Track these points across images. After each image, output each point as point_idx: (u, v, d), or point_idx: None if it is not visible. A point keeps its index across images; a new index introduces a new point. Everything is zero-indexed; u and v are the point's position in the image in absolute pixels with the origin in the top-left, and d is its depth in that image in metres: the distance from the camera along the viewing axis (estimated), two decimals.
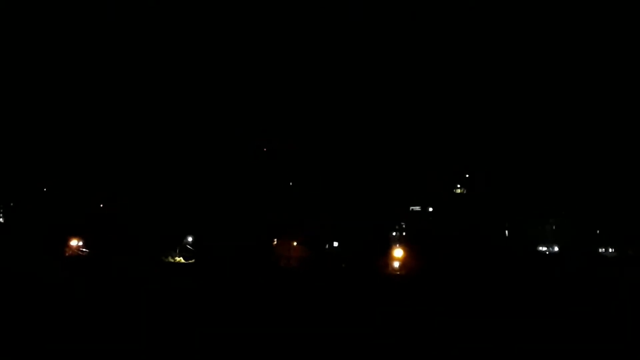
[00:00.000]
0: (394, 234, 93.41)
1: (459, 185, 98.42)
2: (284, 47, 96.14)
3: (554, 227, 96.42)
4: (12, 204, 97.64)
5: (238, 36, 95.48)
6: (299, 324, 38.45)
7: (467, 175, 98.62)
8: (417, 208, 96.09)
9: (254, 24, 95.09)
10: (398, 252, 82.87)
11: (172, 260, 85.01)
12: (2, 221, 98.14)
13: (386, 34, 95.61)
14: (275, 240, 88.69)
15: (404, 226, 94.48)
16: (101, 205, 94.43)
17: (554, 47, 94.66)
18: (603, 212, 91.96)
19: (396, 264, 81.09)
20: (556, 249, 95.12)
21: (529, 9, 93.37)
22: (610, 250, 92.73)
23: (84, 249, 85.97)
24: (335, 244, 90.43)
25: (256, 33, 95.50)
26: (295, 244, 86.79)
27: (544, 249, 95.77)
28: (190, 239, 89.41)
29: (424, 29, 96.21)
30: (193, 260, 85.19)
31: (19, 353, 30.44)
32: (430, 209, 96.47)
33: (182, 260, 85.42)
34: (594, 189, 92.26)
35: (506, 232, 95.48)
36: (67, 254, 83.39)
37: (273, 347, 33.30)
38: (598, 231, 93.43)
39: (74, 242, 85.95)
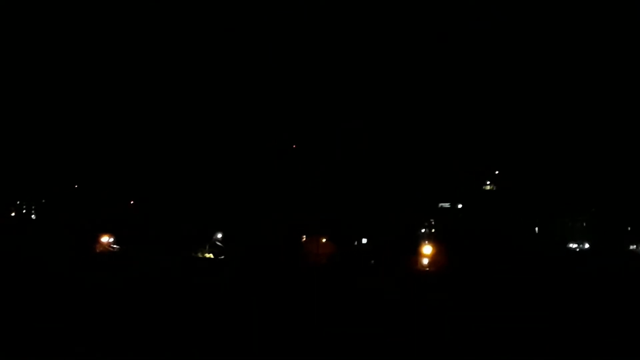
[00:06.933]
0: (422, 230, 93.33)
1: (488, 182, 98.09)
2: (310, 42, 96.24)
3: (584, 224, 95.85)
4: (43, 201, 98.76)
5: (262, 32, 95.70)
6: (328, 319, 38.45)
7: (496, 172, 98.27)
8: (447, 205, 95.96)
9: (279, 19, 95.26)
10: (427, 249, 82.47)
11: (202, 256, 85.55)
12: (34, 218, 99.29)
13: (418, 30, 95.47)
14: (304, 236, 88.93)
15: (433, 223, 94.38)
16: (132, 202, 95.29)
17: (583, 43, 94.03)
18: (634, 209, 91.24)
19: (425, 261, 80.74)
20: (587, 246, 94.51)
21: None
22: None
23: (114, 245, 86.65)
24: (364, 240, 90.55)
25: (281, 29, 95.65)
26: (324, 240, 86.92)
27: (574, 246, 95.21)
28: (220, 235, 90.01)
29: (453, 27, 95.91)
30: (223, 257, 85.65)
31: (50, 346, 30.77)
32: (460, 206, 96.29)
33: (212, 256, 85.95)
34: (624, 186, 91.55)
35: (536, 229, 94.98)
36: (97, 250, 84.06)
37: (302, 344, 33.38)
38: (629, 228, 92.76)
39: (104, 239, 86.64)
